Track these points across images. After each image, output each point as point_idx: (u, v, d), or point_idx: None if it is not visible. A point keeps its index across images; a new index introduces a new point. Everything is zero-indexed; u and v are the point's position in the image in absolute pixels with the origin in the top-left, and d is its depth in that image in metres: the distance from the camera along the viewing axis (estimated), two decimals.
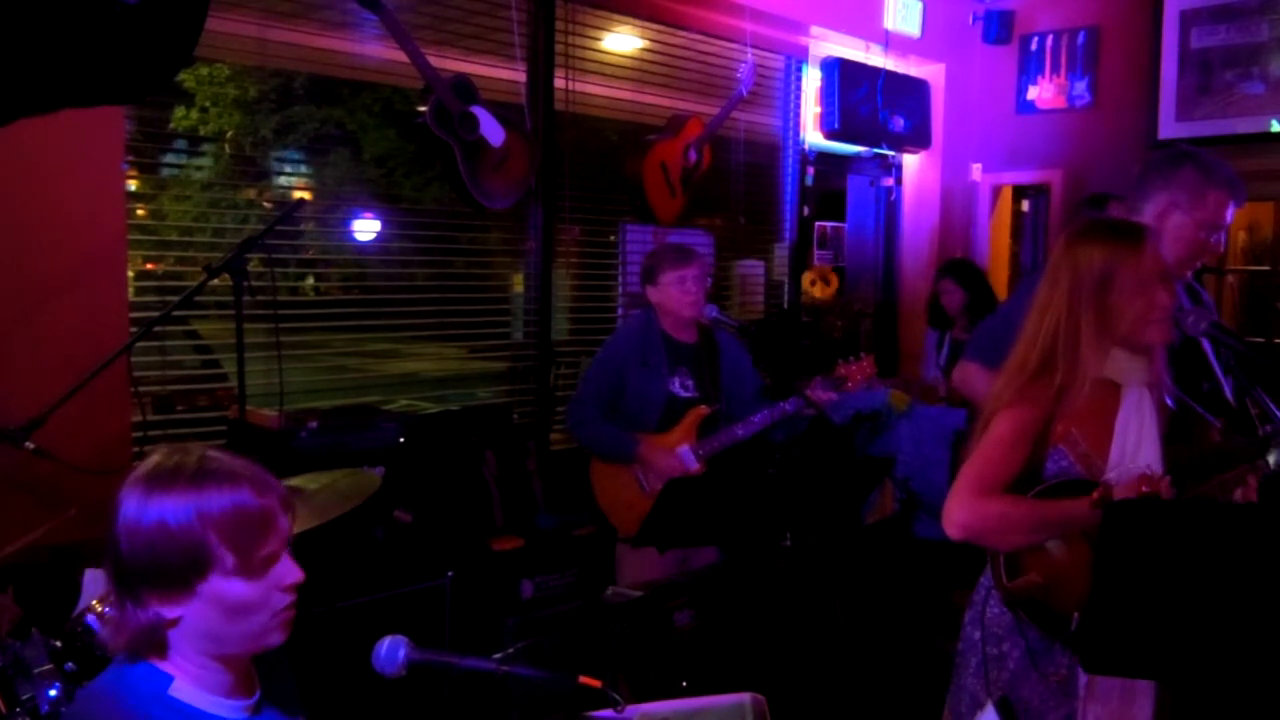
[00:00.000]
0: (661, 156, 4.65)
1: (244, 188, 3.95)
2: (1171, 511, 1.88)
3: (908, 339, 6.27)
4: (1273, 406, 2.25)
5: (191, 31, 2.53)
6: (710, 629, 3.20)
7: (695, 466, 3.58)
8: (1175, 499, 2.12)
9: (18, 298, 3.01)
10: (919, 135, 5.94)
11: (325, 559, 2.13)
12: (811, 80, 5.59)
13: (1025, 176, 6.07)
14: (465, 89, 3.76)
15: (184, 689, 1.41)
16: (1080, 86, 5.79)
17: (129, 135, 3.33)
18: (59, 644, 2.14)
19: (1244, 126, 5.24)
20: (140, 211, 3.54)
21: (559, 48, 4.42)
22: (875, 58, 5.67)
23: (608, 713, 1.60)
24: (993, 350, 2.50)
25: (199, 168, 3.76)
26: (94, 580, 2.40)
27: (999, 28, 5.98)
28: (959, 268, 5.25)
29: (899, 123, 5.74)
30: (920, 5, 5.87)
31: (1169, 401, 2.25)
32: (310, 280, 4.42)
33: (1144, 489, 2.05)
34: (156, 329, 2.99)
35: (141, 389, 3.12)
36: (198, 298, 3.00)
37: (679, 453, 3.58)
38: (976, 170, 6.16)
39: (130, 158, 3.37)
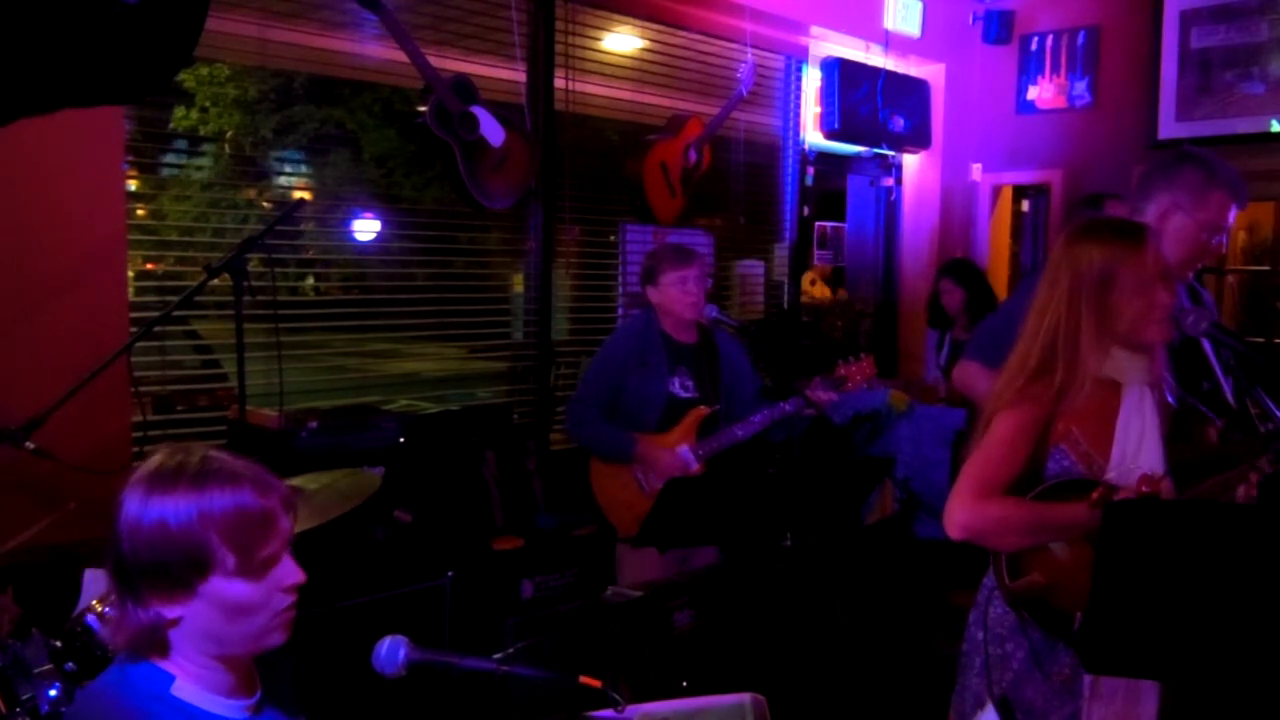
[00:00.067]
0: (661, 156, 4.65)
1: (244, 188, 3.95)
2: (1171, 511, 1.88)
3: (908, 339, 6.27)
4: (1273, 406, 2.25)
5: (191, 31, 2.53)
6: (710, 629, 3.20)
7: (695, 467, 3.58)
8: (1176, 499, 2.12)
9: (18, 298, 3.01)
10: (919, 135, 5.94)
11: (325, 559, 2.13)
12: (811, 80, 5.59)
13: (1025, 176, 6.07)
14: (465, 89, 3.76)
15: (185, 688, 1.41)
16: (1080, 86, 5.79)
17: (129, 135, 3.33)
18: (59, 644, 2.14)
19: (1244, 126, 5.24)
20: (140, 211, 3.54)
21: (559, 48, 4.42)
22: (875, 58, 5.67)
23: (608, 713, 1.60)
24: (993, 350, 2.50)
25: (199, 168, 3.76)
26: (94, 580, 2.40)
27: (999, 28, 5.98)
28: (959, 267, 5.25)
29: (899, 123, 5.74)
30: (920, 5, 5.87)
31: (1170, 399, 2.25)
32: (310, 280, 4.42)
33: (1144, 489, 2.05)
34: (156, 329, 2.99)
35: (141, 389, 3.12)
36: (198, 298, 3.00)
37: (678, 453, 3.58)
38: (976, 170, 6.16)
39: (130, 158, 3.37)
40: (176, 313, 3.03)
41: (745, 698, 2.06)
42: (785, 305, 5.78)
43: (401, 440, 3.44)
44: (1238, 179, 2.67)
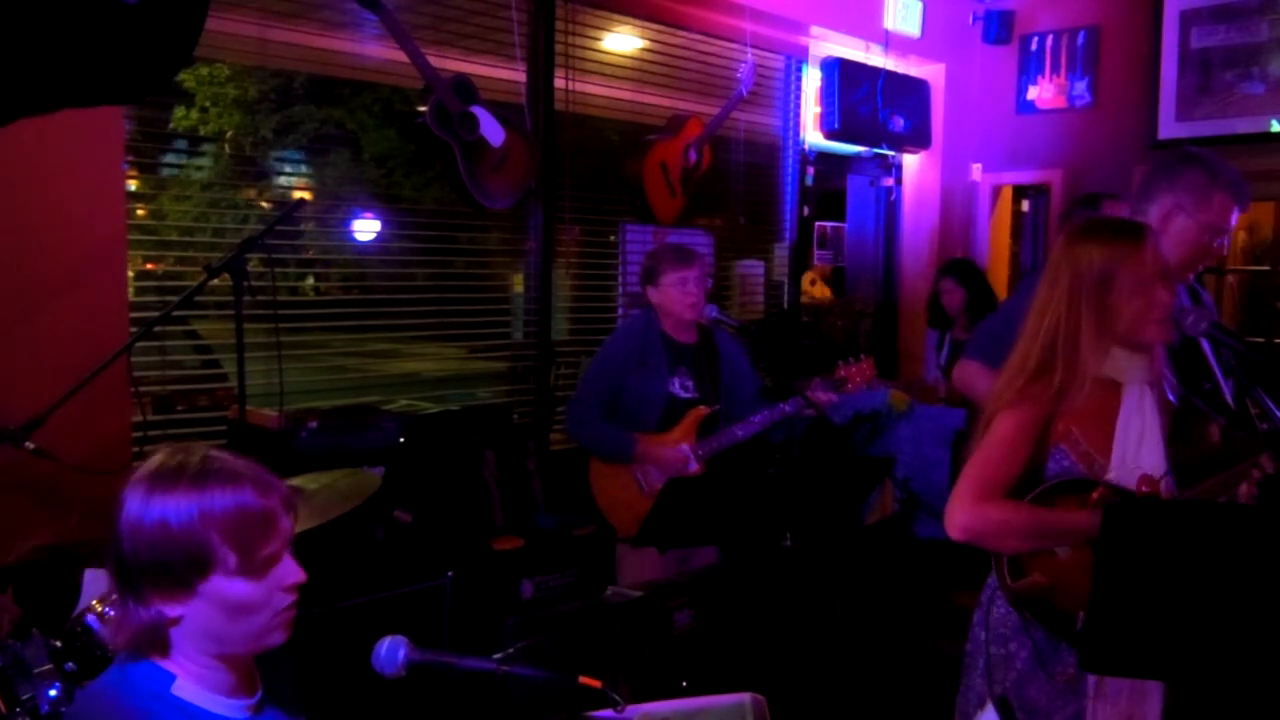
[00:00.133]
0: (661, 156, 4.65)
1: (244, 188, 3.95)
2: (1171, 511, 1.88)
3: (908, 339, 6.27)
4: (1273, 406, 2.25)
5: (191, 31, 2.53)
6: (710, 629, 3.20)
7: (694, 467, 3.58)
8: (1176, 499, 2.12)
9: (18, 298, 3.01)
10: (919, 135, 5.94)
11: (325, 559, 2.13)
12: (811, 80, 5.59)
13: (1025, 176, 6.07)
14: (465, 89, 3.76)
15: (186, 688, 1.42)
16: (1080, 86, 5.79)
17: (129, 135, 3.33)
18: (59, 644, 2.14)
19: (1244, 126, 5.24)
20: (140, 211, 3.54)
21: (559, 48, 4.42)
22: (875, 58, 5.67)
23: (608, 713, 1.60)
24: (994, 349, 2.50)
25: (199, 168, 3.76)
26: (94, 580, 2.40)
27: (999, 28, 5.98)
28: (960, 267, 5.25)
29: (899, 123, 5.74)
30: (920, 5, 5.87)
31: (1171, 397, 2.25)
32: (310, 280, 4.42)
33: (1144, 489, 2.05)
34: (156, 329, 2.99)
35: (141, 389, 3.12)
36: (198, 298, 3.00)
37: (678, 453, 3.58)
38: (976, 170, 6.16)
39: (130, 158, 3.37)
40: (176, 313, 3.03)
41: (745, 698, 2.06)
42: (785, 305, 5.78)
43: (401, 440, 3.44)
44: (1240, 181, 2.67)
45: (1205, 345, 2.64)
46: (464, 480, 3.63)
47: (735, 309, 5.46)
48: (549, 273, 4.47)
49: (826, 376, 3.59)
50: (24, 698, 2.09)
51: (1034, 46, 5.95)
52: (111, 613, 2.06)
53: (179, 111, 4.01)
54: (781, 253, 5.76)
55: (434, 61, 3.67)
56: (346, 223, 4.13)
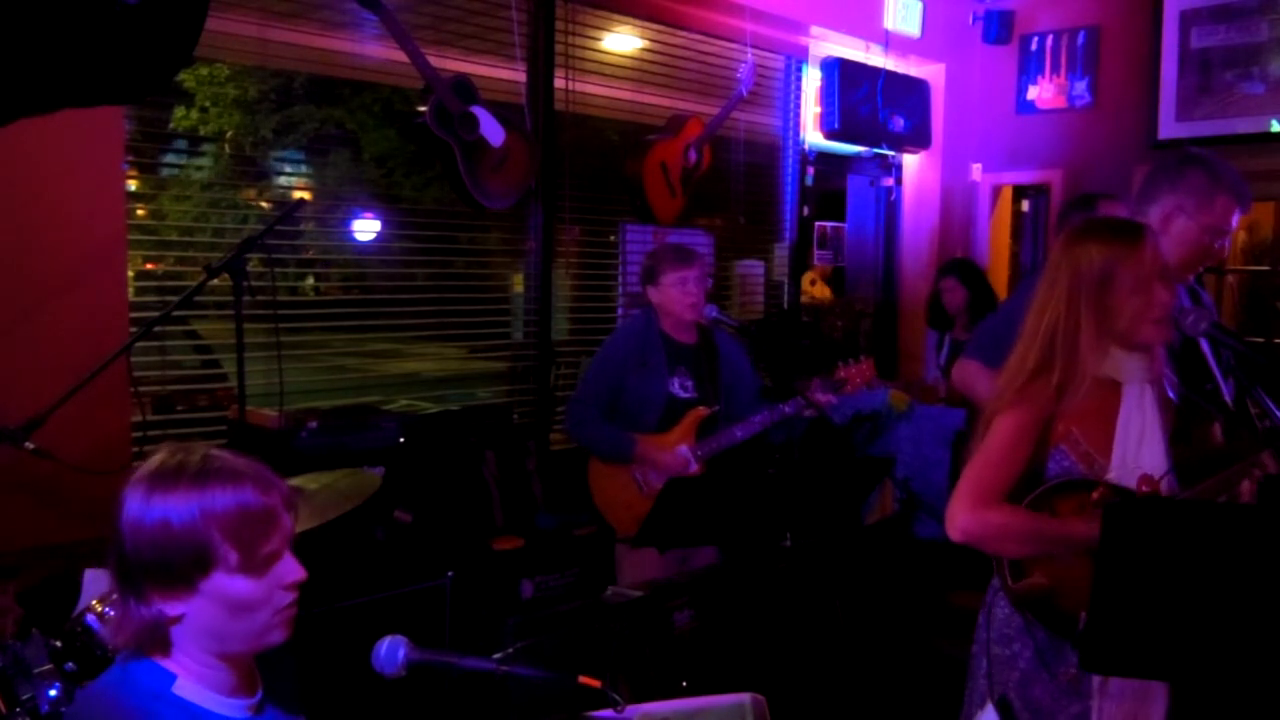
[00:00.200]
0: (661, 156, 4.65)
1: (244, 188, 3.95)
2: (1171, 511, 1.88)
3: (908, 339, 6.27)
4: (1273, 406, 2.25)
5: (191, 31, 2.53)
6: (710, 629, 3.20)
7: (694, 467, 3.58)
8: (1177, 498, 2.12)
9: (18, 298, 3.01)
10: (919, 135, 5.94)
11: (325, 559, 2.13)
12: (811, 80, 5.59)
13: (1025, 176, 6.07)
14: (465, 89, 3.76)
15: (187, 687, 1.42)
16: (1080, 86, 5.79)
17: (129, 135, 3.33)
18: (59, 644, 2.14)
19: (1244, 126, 5.24)
20: (140, 211, 3.54)
21: (559, 48, 4.42)
22: (875, 58, 5.67)
23: (608, 713, 1.60)
24: (994, 349, 2.50)
25: (199, 168, 3.76)
26: (94, 580, 2.40)
27: (999, 28, 5.98)
28: (961, 266, 5.26)
29: (899, 123, 5.74)
30: (920, 5, 5.87)
31: (1172, 395, 2.24)
32: (310, 280, 4.42)
33: (1144, 489, 2.05)
34: (156, 329, 2.99)
35: (141, 389, 3.12)
36: (198, 298, 3.00)
37: (678, 453, 3.58)
38: (976, 170, 6.16)
39: (130, 158, 3.37)
40: (176, 313, 3.03)
41: (745, 698, 2.06)
42: (785, 305, 5.78)
43: (401, 440, 3.43)
44: (1242, 183, 2.67)
45: (1205, 345, 2.64)
46: (464, 480, 3.63)
47: (735, 309, 5.46)
48: (549, 273, 4.47)
49: (826, 377, 3.59)
50: (24, 698, 2.09)
51: (1034, 46, 5.95)
52: (111, 613, 2.06)
53: (179, 111, 4.01)
54: (781, 253, 5.76)
55: (434, 61, 3.67)
56: (346, 223, 4.13)
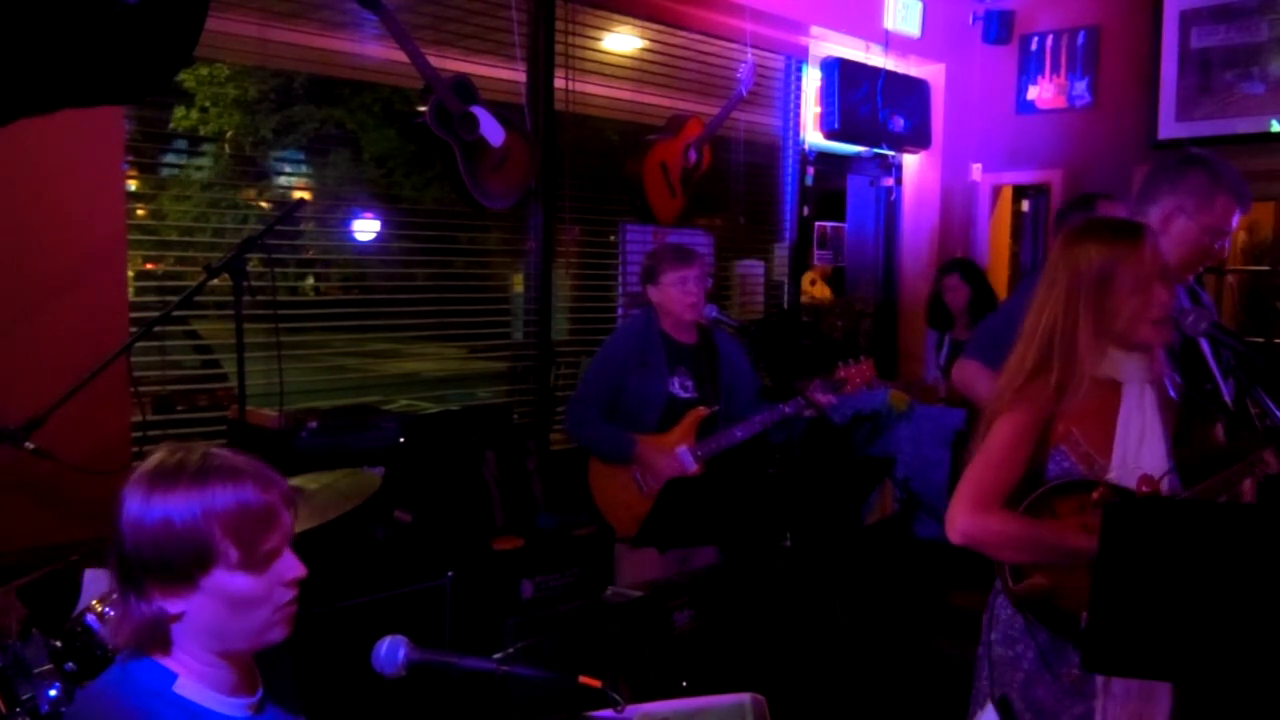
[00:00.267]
0: (661, 156, 4.65)
1: (244, 188, 3.95)
2: (1171, 511, 1.88)
3: (908, 339, 6.27)
4: (1273, 406, 2.25)
5: (191, 31, 2.53)
6: (710, 629, 3.20)
7: (693, 468, 3.58)
8: (1176, 498, 2.12)
9: (18, 298, 3.01)
10: (919, 135, 5.94)
11: (325, 559, 2.13)
12: (811, 80, 5.59)
13: (1025, 176, 6.07)
14: (465, 89, 3.76)
15: (187, 686, 1.42)
16: (1080, 86, 5.79)
17: (129, 135, 3.33)
18: (59, 644, 2.14)
19: (1244, 126, 5.24)
20: (140, 211, 3.54)
21: (559, 48, 4.42)
22: (875, 58, 5.67)
23: (608, 713, 1.60)
24: (993, 349, 2.50)
25: (199, 168, 3.76)
26: (94, 580, 2.40)
27: (999, 28, 5.98)
28: (964, 265, 5.26)
29: (899, 123, 5.74)
30: (920, 5, 5.87)
31: (1173, 394, 2.24)
32: (310, 280, 4.42)
33: (1144, 489, 2.05)
34: (156, 329, 2.98)
35: (141, 389, 3.12)
36: (198, 298, 3.00)
37: (677, 453, 3.58)
38: (976, 170, 6.16)
39: (130, 158, 3.37)
40: (176, 313, 3.03)
41: (745, 698, 2.06)
42: (785, 305, 5.78)
43: (401, 440, 3.43)
44: (1242, 183, 2.67)
45: (1205, 345, 2.64)
46: (464, 480, 3.63)
47: (735, 309, 5.46)
48: (549, 273, 4.47)
49: (826, 378, 3.59)
50: (24, 698, 2.09)
51: (1034, 46, 5.95)
52: (111, 613, 2.06)
53: (179, 111, 4.01)
54: (781, 253, 5.76)
55: (434, 61, 3.67)
56: (346, 223, 4.13)
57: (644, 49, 4.93)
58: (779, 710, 2.10)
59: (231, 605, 1.40)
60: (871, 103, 5.56)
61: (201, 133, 4.21)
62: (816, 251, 5.90)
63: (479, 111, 3.77)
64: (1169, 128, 5.44)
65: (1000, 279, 6.04)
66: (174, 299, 3.02)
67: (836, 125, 5.41)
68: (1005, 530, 2.08)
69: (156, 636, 1.41)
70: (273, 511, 1.43)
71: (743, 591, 3.36)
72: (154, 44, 2.43)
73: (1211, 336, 2.36)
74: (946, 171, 6.23)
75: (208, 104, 4.31)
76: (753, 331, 4.47)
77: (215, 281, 2.95)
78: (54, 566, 2.50)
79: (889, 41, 5.70)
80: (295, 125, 4.36)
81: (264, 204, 4.01)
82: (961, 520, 2.09)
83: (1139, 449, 2.12)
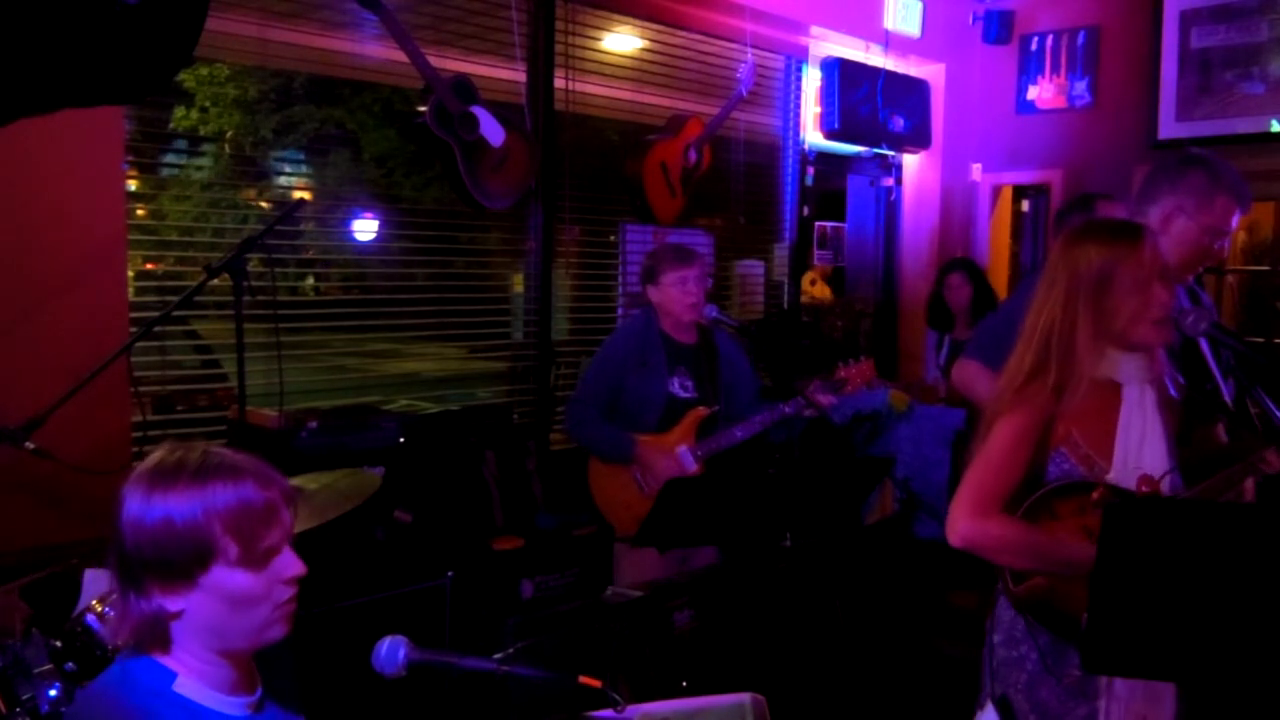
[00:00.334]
0: (661, 156, 4.65)
1: (244, 188, 3.95)
2: (1171, 511, 1.88)
3: (908, 339, 6.27)
4: (1273, 406, 2.25)
5: (191, 31, 2.53)
6: (710, 629, 3.20)
7: (693, 468, 3.58)
8: (1176, 498, 2.12)
9: (18, 298, 3.01)
10: (919, 135, 5.94)
11: (325, 559, 2.13)
12: (811, 80, 5.59)
13: (1025, 176, 6.07)
14: (465, 89, 3.76)
15: (187, 685, 1.42)
16: (1080, 86, 5.79)
17: (129, 135, 3.33)
18: (59, 644, 2.14)
19: (1244, 126, 5.24)
20: (140, 211, 3.54)
21: (559, 48, 4.42)
22: (875, 58, 5.67)
23: (608, 713, 1.60)
24: (993, 349, 2.50)
25: (199, 168, 3.76)
26: (94, 580, 2.40)
27: (999, 28, 5.98)
28: (967, 264, 5.27)
29: (899, 123, 5.74)
30: (920, 5, 5.87)
31: (1174, 394, 2.24)
32: (310, 280, 4.42)
33: (1144, 489, 2.05)
34: (156, 329, 2.99)
35: (141, 389, 3.12)
36: (198, 298, 3.00)
37: (677, 453, 3.58)
38: (976, 170, 6.16)
39: (130, 158, 3.37)
40: (176, 313, 3.03)
41: (745, 698, 2.06)
42: (785, 305, 5.78)
43: (401, 440, 3.43)
44: (1242, 183, 2.67)
45: (1205, 345, 2.64)
46: (464, 480, 3.63)
47: (735, 309, 5.46)
48: (549, 273, 4.47)
49: (826, 378, 3.59)
50: (24, 698, 2.09)
51: (1034, 46, 5.95)
52: (111, 612, 2.06)
53: (179, 111, 4.01)
54: (781, 253, 5.76)
55: (434, 61, 3.67)
56: (346, 223, 4.13)
57: (644, 49, 4.93)
58: (779, 710, 2.10)
59: (231, 603, 1.40)
60: (871, 103, 5.56)
61: (201, 133, 4.22)
62: (816, 251, 5.90)
63: (479, 111, 3.77)
64: (1169, 128, 5.44)
65: (1000, 279, 6.04)
66: (174, 299, 3.02)
67: (836, 125, 5.42)
68: (1004, 535, 2.08)
69: (156, 634, 1.41)
70: (273, 509, 1.43)
71: (743, 591, 3.36)
72: (154, 44, 2.43)
73: (1211, 336, 2.36)
74: (946, 171, 6.23)
75: (208, 104, 4.32)
76: (753, 331, 4.47)
77: (215, 281, 2.95)
78: (54, 569, 2.50)
79: (889, 41, 5.70)
80: (295, 125, 4.36)
81: (264, 204, 4.01)
82: (961, 524, 2.09)
83: (1139, 450, 2.12)
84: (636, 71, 4.87)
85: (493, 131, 3.82)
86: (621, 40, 4.86)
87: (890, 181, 6.24)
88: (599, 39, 4.71)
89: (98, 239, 3.17)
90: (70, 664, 2.12)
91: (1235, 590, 1.71)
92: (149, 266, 3.65)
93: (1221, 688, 2.04)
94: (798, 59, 5.63)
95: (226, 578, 1.39)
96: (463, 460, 3.65)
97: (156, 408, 3.44)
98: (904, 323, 6.30)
